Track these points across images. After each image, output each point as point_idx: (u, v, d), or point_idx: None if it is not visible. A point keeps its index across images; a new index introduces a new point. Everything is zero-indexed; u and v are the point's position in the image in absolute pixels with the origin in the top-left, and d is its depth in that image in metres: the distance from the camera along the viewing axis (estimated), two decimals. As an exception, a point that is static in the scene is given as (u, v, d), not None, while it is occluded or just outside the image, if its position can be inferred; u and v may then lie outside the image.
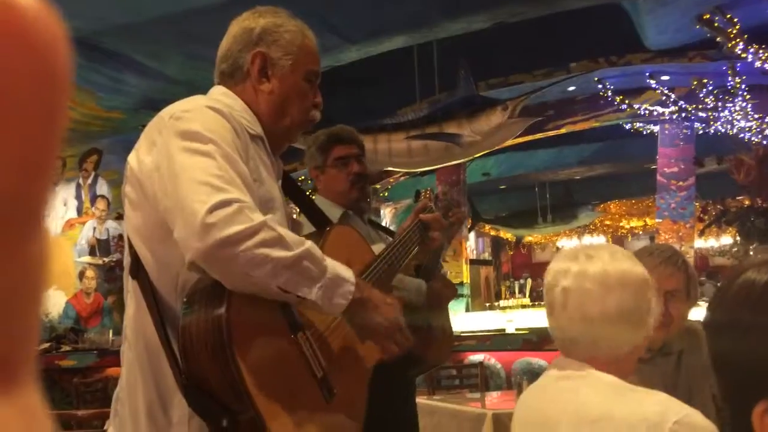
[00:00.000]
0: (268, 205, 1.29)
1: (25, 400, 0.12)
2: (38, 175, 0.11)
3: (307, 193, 1.76)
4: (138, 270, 1.25)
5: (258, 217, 1.13)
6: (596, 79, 7.60)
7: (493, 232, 15.54)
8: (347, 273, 1.25)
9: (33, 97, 0.11)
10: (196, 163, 1.15)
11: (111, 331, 6.87)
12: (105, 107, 6.35)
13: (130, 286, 1.29)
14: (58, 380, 6.43)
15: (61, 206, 7.68)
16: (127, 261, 1.30)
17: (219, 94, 1.38)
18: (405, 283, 1.95)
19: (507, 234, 15.43)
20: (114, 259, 7.39)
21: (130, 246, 1.27)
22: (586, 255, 1.19)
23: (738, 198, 9.44)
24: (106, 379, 5.96)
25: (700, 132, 8.32)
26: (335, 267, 1.23)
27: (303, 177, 8.11)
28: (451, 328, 2.24)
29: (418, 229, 1.81)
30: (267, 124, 1.38)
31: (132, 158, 1.26)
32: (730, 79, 7.04)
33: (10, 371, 0.12)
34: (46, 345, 6.88)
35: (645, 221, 14.39)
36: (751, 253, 7.65)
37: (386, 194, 10.89)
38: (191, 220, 1.10)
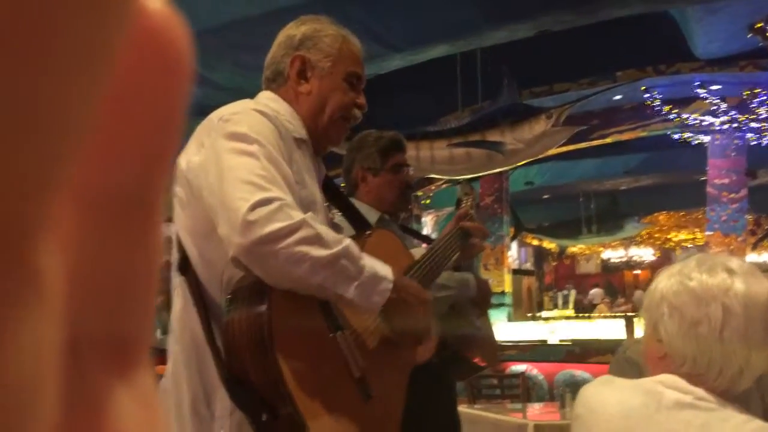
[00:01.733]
0: (310, 207, 1.32)
1: (143, 386, 0.13)
2: (165, 169, 0.13)
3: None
4: (186, 267, 1.29)
5: (298, 215, 1.16)
6: (643, 88, 7.46)
7: (535, 242, 15.35)
8: (385, 271, 1.27)
9: (164, 96, 0.12)
10: (241, 163, 1.19)
11: (159, 330, 7.06)
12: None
13: (177, 282, 1.33)
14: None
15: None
16: (175, 258, 1.34)
17: (266, 98, 1.42)
18: (454, 279, 1.96)
19: (550, 244, 15.21)
20: (167, 259, 7.61)
21: (179, 243, 1.32)
22: (742, 270, 1.05)
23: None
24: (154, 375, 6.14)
25: (753, 143, 8.07)
26: (373, 265, 1.25)
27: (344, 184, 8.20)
28: (493, 332, 2.24)
29: (458, 236, 1.83)
30: (308, 125, 1.42)
31: (181, 159, 1.30)
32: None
33: (132, 355, 0.13)
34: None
35: (694, 234, 13.99)
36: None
37: (428, 201, 10.89)
38: (233, 216, 1.14)
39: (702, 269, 1.06)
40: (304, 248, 1.15)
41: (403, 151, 2.07)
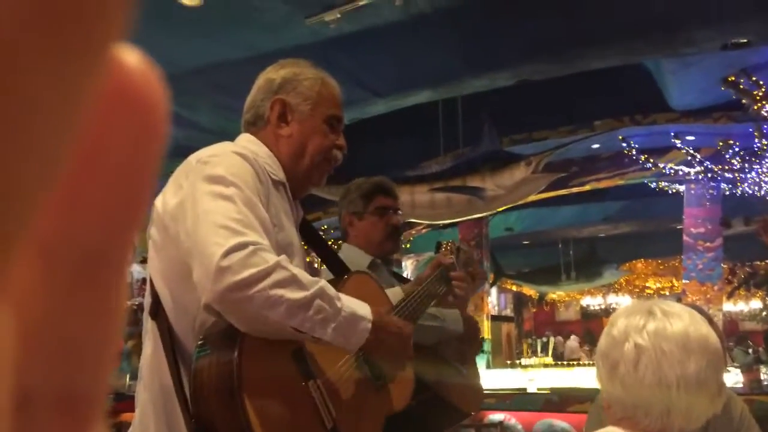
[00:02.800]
0: (287, 250, 1.30)
1: None
2: (132, 229, 0.12)
3: (334, 241, 1.77)
4: (157, 311, 1.26)
5: (272, 258, 1.14)
6: (621, 137, 7.62)
7: (515, 288, 15.36)
8: (364, 310, 1.25)
9: (134, 154, 0.12)
10: (218, 207, 1.17)
11: (128, 376, 6.85)
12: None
13: (149, 326, 1.30)
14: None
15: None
16: (147, 302, 1.31)
17: (245, 141, 1.42)
18: (443, 313, 1.93)
19: (530, 291, 15.24)
20: (137, 303, 7.45)
21: (152, 287, 1.29)
22: (662, 311, 1.07)
23: (767, 260, 9.25)
24: (119, 425, 5.92)
25: (727, 193, 8.24)
26: (351, 305, 1.23)
27: (325, 226, 8.17)
28: (479, 379, 2.19)
29: (437, 281, 1.81)
30: (288, 168, 1.41)
31: (158, 201, 1.28)
32: (756, 140, 7.01)
33: (85, 412, 0.12)
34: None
35: (672, 282, 14.12)
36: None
37: (408, 246, 10.89)
38: (207, 262, 1.12)
39: (623, 315, 1.11)
40: (279, 291, 1.13)
41: (387, 194, 2.09)
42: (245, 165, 1.26)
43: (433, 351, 1.90)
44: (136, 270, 7.88)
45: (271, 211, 1.29)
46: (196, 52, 4.64)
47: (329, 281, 1.51)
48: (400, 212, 2.12)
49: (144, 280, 8.15)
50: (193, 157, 1.28)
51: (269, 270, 1.13)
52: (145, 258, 1.34)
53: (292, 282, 1.15)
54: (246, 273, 1.11)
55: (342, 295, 1.23)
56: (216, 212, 1.16)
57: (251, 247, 1.13)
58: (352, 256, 1.98)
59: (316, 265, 1.75)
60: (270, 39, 4.35)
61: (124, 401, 6.25)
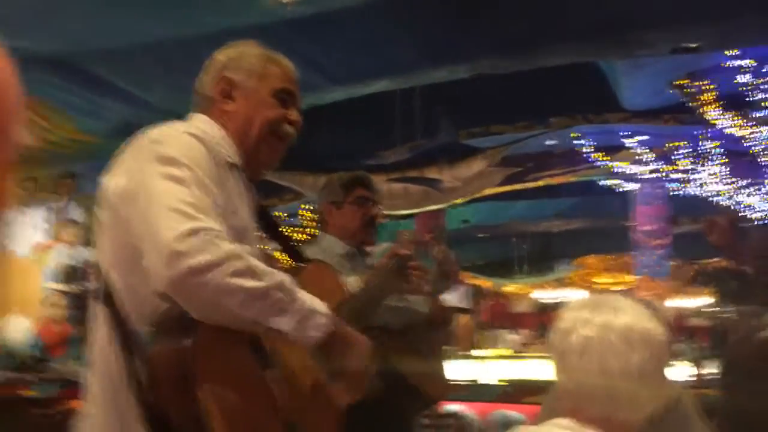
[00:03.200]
0: (241, 236, 1.27)
1: None
2: None
3: (287, 228, 1.76)
4: (107, 296, 1.22)
5: (228, 247, 1.11)
6: (574, 134, 7.77)
7: (471, 281, 15.54)
8: (321, 306, 1.22)
9: None
10: (170, 190, 1.13)
11: (74, 362, 6.70)
12: (82, 130, 6.29)
13: (98, 312, 1.25)
14: (19, 411, 6.22)
15: (30, 228, 7.56)
16: (95, 286, 1.27)
17: (199, 121, 1.38)
18: (410, 298, 1.97)
19: (486, 283, 15.44)
20: (84, 287, 7.27)
21: (99, 271, 1.25)
22: (609, 306, 1.12)
23: (715, 259, 9.58)
24: (67, 412, 5.78)
25: (674, 193, 8.50)
26: (309, 299, 1.21)
27: (279, 213, 8.10)
28: (443, 368, 2.22)
29: (392, 271, 1.83)
30: (239, 145, 1.38)
31: (107, 181, 1.24)
32: (702, 143, 7.25)
33: None
34: (10, 374, 6.67)
35: (623, 278, 14.49)
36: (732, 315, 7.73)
37: (365, 236, 10.89)
38: (160, 247, 1.08)
39: (572, 308, 1.17)
40: (236, 280, 1.09)
41: (366, 186, 2.17)
42: (199, 146, 1.23)
43: (403, 338, 1.93)
44: (83, 252, 7.67)
45: (226, 195, 1.25)
46: (148, 29, 4.52)
47: (286, 270, 1.51)
48: (378, 205, 2.19)
49: (92, 264, 7.92)
50: (144, 137, 1.24)
51: (226, 257, 1.10)
52: (94, 240, 1.31)
53: (250, 272, 1.12)
54: (201, 258, 1.07)
55: (300, 290, 1.21)
56: (168, 195, 1.13)
57: (206, 233, 1.10)
58: (329, 244, 2.02)
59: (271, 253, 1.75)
60: (225, 18, 4.27)
61: (73, 388, 6.11)
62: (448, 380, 2.30)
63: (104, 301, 1.22)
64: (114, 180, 1.22)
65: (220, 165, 1.27)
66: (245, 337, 1.17)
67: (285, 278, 1.18)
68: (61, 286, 7.59)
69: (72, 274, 7.65)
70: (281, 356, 1.25)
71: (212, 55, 1.46)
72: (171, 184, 1.14)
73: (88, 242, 7.50)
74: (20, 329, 7.36)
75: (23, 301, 7.42)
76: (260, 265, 1.15)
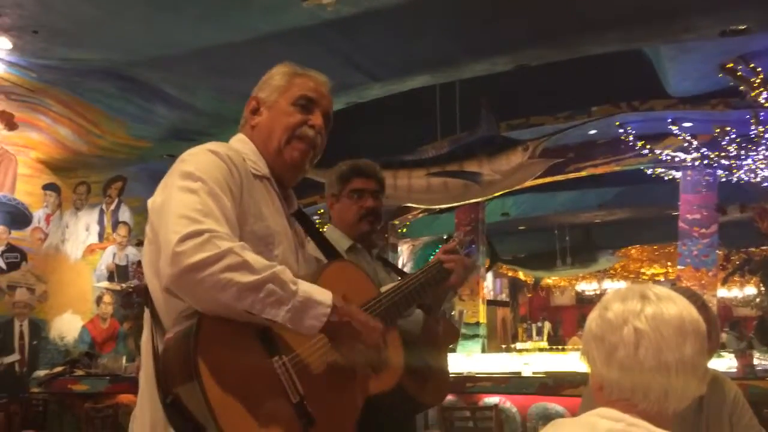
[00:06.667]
0: (267, 239, 1.39)
1: None
2: None
3: (320, 222, 1.78)
4: (146, 298, 1.35)
5: (225, 245, 1.21)
6: (617, 123, 7.61)
7: (511, 273, 15.41)
8: (323, 296, 1.28)
9: None
10: (182, 199, 1.27)
11: (124, 358, 6.87)
12: (134, 136, 6.49)
13: (145, 313, 1.37)
14: (70, 405, 6.42)
15: (83, 231, 7.79)
16: (142, 292, 1.40)
17: (234, 140, 1.53)
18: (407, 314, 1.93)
19: (525, 275, 15.29)
20: (132, 285, 7.45)
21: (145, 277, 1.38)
22: (656, 295, 1.09)
23: (762, 247, 9.29)
24: (116, 405, 5.94)
25: (723, 179, 8.25)
26: (309, 291, 1.27)
27: (322, 210, 8.16)
28: (448, 372, 2.17)
29: (436, 268, 1.81)
30: (265, 154, 1.50)
31: (150, 199, 1.37)
32: (753, 127, 7.00)
33: None
34: (60, 369, 6.90)
35: (667, 268, 14.18)
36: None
37: (404, 231, 10.90)
38: (166, 248, 1.20)
39: (618, 299, 1.12)
40: (229, 275, 1.18)
41: (364, 176, 2.09)
42: (216, 161, 1.35)
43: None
44: (131, 252, 7.87)
45: (248, 203, 1.37)
46: (193, 34, 4.59)
47: (310, 270, 1.51)
48: (379, 194, 2.11)
49: (139, 263, 8.15)
50: (179, 158, 1.39)
51: (221, 255, 1.19)
52: (141, 241, 1.41)
53: (243, 266, 1.20)
54: (197, 257, 1.18)
55: (300, 281, 1.27)
56: (180, 203, 1.25)
57: (206, 234, 1.20)
58: (335, 238, 1.98)
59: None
60: (267, 21, 4.31)
61: (121, 383, 6.28)
62: (448, 384, 2.22)
63: (146, 303, 1.35)
64: (154, 197, 1.36)
65: (240, 178, 1.38)
66: (254, 327, 1.23)
67: (282, 270, 1.25)
68: (109, 285, 7.80)
69: (120, 273, 7.86)
70: (293, 345, 1.28)
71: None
72: (184, 194, 1.27)
73: (135, 242, 7.69)
74: (72, 327, 7.60)
75: (75, 299, 7.66)
76: (258, 260, 1.23)
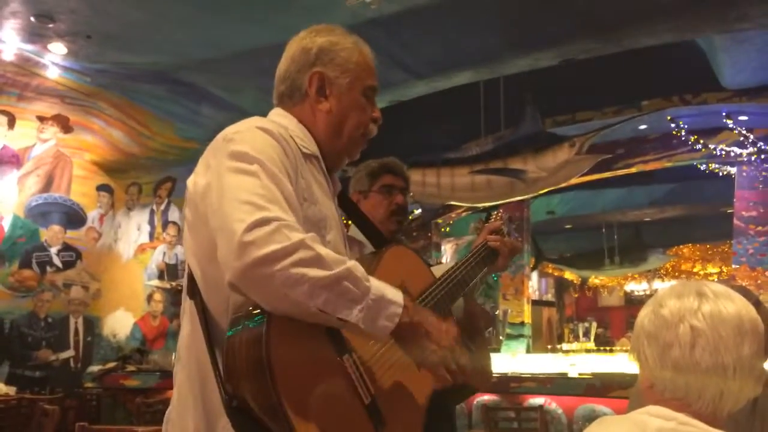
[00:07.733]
0: (320, 224, 1.28)
1: None
2: None
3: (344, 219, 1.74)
4: (193, 291, 1.24)
5: (296, 236, 1.09)
6: (669, 117, 7.39)
7: (556, 273, 15.15)
8: (394, 295, 1.19)
9: None
10: (241, 183, 1.14)
11: (174, 354, 7.04)
12: (182, 137, 6.65)
13: (186, 306, 1.28)
14: (122, 399, 6.62)
15: (135, 231, 8.02)
16: (184, 282, 1.29)
17: (275, 115, 1.41)
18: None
19: (572, 275, 15.00)
20: (181, 283, 7.63)
21: (187, 267, 1.28)
22: (713, 293, 1.05)
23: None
24: (167, 400, 6.08)
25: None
26: (381, 288, 1.17)
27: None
28: (490, 358, 2.15)
29: (485, 250, 1.79)
30: (324, 143, 1.38)
31: (190, 181, 1.26)
32: (814, 120, 6.71)
33: None
34: (113, 364, 7.13)
35: (721, 267, 13.72)
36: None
37: (447, 229, 10.83)
38: (230, 238, 1.08)
39: (673, 295, 1.08)
40: (302, 270, 1.07)
41: (394, 173, 2.10)
42: (270, 140, 1.23)
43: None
44: (180, 251, 8.05)
45: (302, 185, 1.26)
46: (238, 36, 4.67)
47: (369, 254, 1.46)
48: (406, 191, 2.11)
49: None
50: (220, 135, 1.26)
51: (293, 248, 1.08)
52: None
53: (316, 261, 1.10)
54: (268, 249, 1.06)
55: (372, 278, 1.18)
56: (239, 188, 1.13)
57: (275, 223, 1.09)
58: (359, 235, 1.97)
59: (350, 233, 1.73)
60: (311, 21, 4.33)
61: (171, 378, 6.43)
62: (490, 372, 2.20)
63: (191, 294, 1.24)
64: (195, 179, 1.24)
65: (296, 156, 1.27)
66: (323, 326, 1.15)
67: (355, 266, 1.15)
68: (160, 283, 8.01)
69: (170, 272, 8.07)
70: (362, 343, 1.22)
71: (297, 40, 1.42)
72: (242, 177, 1.15)
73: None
74: (124, 324, 7.83)
75: (127, 297, 7.89)
76: (330, 254, 1.13)
